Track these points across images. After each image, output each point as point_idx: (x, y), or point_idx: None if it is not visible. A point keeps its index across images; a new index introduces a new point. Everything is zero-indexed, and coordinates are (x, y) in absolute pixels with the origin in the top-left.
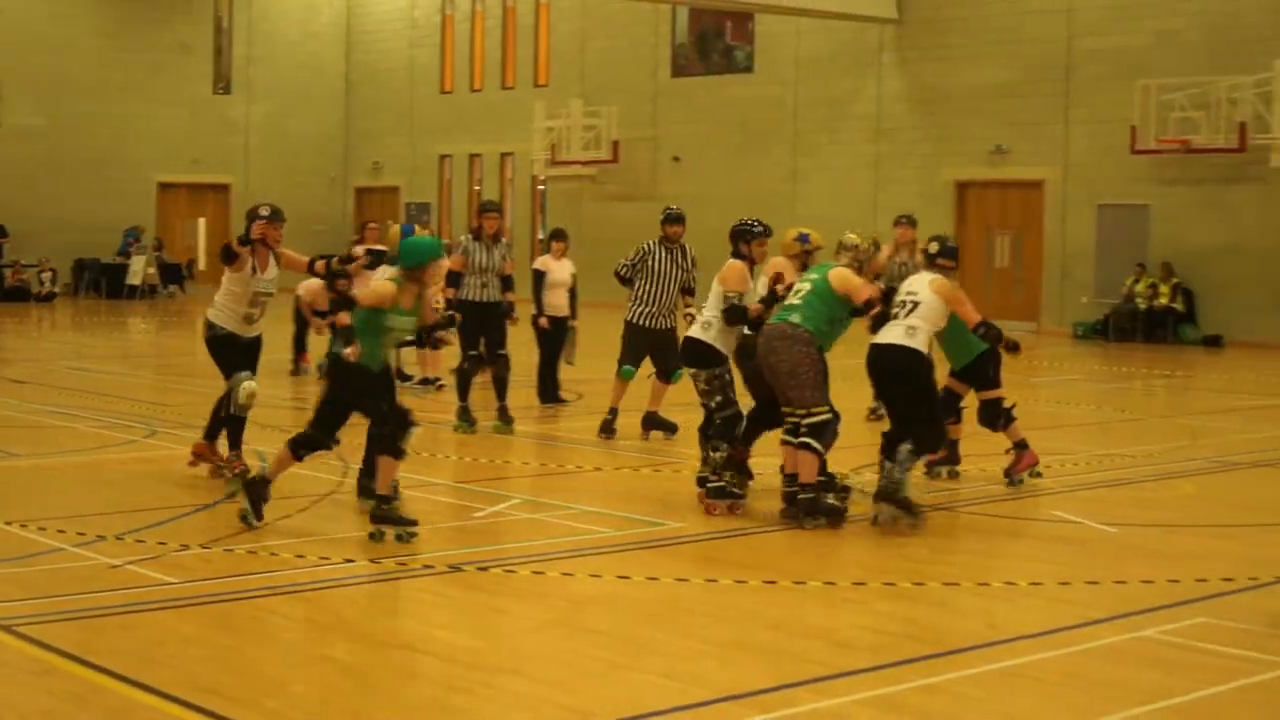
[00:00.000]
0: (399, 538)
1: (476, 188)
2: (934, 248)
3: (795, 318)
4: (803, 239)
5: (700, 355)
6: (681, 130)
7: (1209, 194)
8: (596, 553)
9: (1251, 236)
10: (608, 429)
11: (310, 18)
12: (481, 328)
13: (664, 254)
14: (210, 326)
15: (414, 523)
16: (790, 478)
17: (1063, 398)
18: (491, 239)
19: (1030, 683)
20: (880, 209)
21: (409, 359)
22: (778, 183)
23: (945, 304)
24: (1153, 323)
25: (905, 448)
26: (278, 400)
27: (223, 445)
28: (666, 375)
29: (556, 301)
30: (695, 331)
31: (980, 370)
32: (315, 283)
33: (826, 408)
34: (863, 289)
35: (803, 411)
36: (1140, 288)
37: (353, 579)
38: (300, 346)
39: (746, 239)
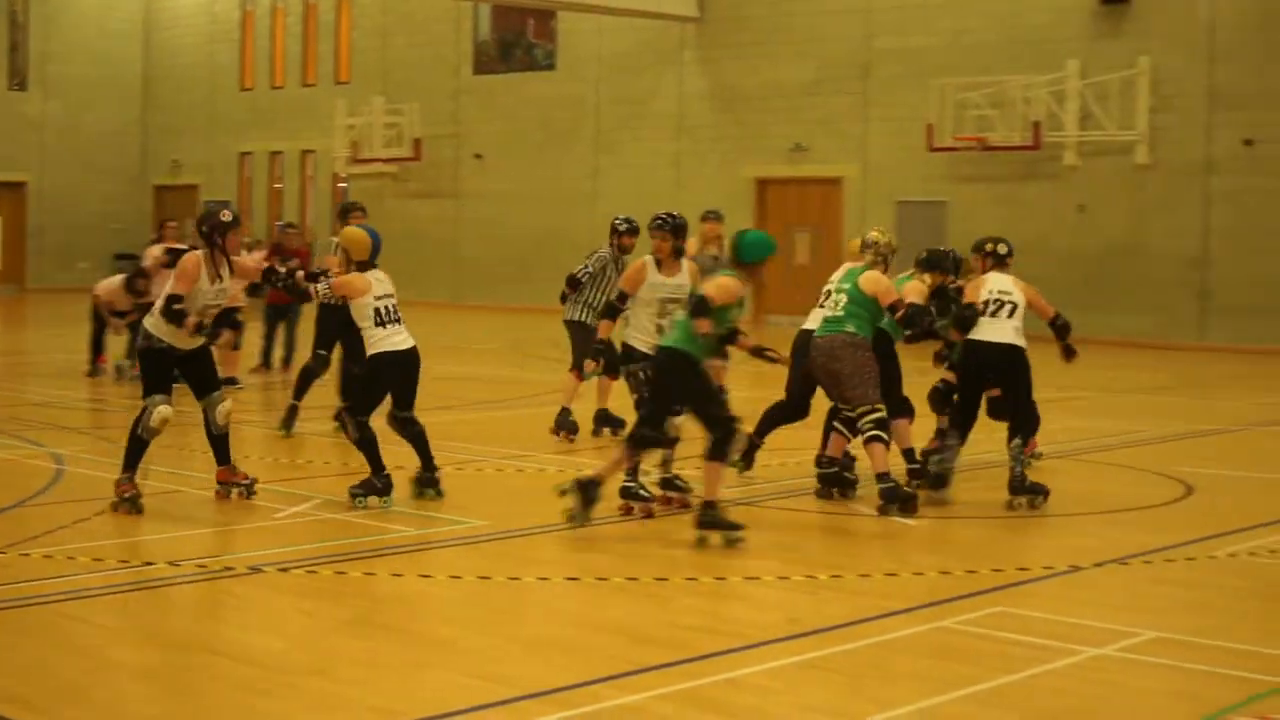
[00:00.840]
0: (729, 542)
1: (277, 185)
2: (1003, 249)
3: (850, 327)
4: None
5: (626, 356)
6: (484, 128)
7: (1004, 191)
8: (399, 552)
9: (1045, 232)
10: (565, 425)
11: (107, 14)
12: (337, 328)
13: (610, 256)
14: (147, 336)
15: (741, 527)
16: (830, 460)
17: None
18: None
19: (832, 675)
20: (682, 206)
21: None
22: (579, 180)
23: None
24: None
25: (1016, 441)
26: (74, 401)
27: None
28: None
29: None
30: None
31: None
32: (113, 282)
33: (882, 404)
34: (890, 292)
35: (866, 408)
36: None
37: (153, 582)
38: (97, 347)
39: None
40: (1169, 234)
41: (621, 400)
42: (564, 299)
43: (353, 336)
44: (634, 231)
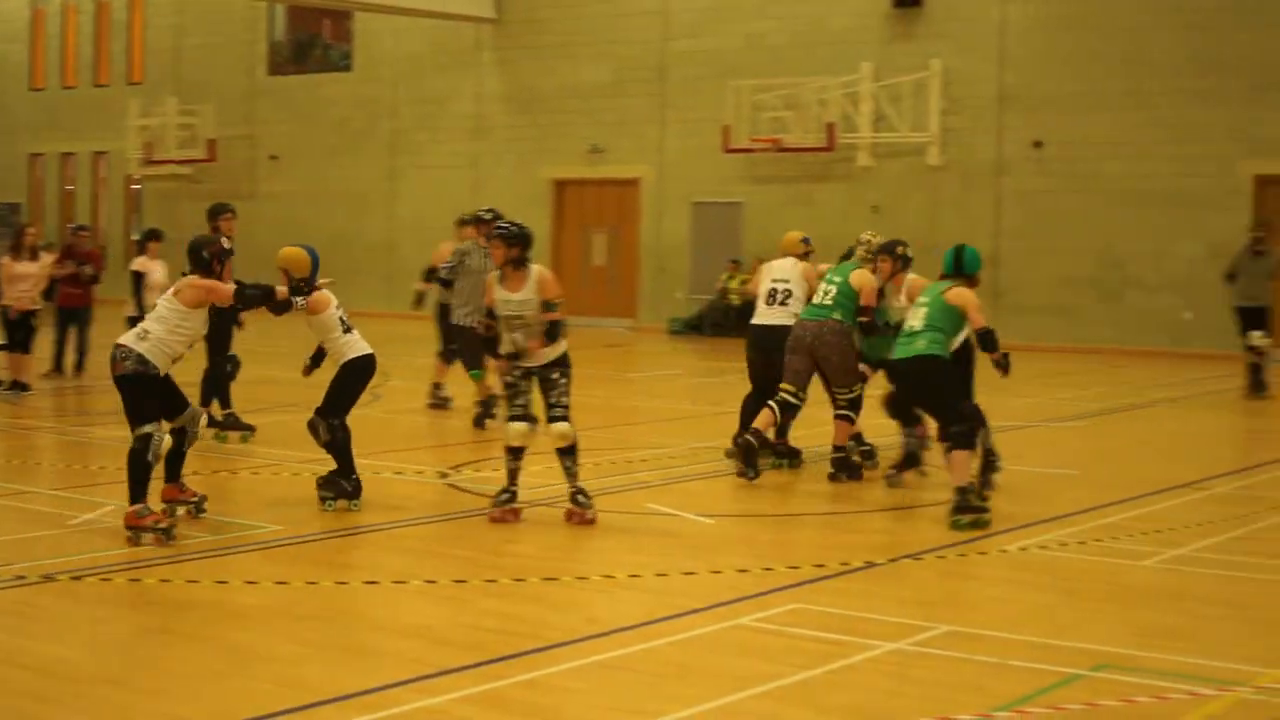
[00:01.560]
0: (978, 525)
1: (69, 187)
2: (911, 252)
3: (838, 315)
4: (806, 240)
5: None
6: (279, 129)
7: (799, 191)
8: (195, 558)
9: (839, 232)
10: (480, 421)
11: None
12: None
13: (479, 253)
14: (142, 362)
15: (987, 510)
16: (838, 448)
17: (659, 392)
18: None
19: (631, 674)
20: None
21: None
22: (376, 181)
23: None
24: (746, 317)
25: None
26: None
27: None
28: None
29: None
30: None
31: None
32: None
33: (859, 388)
34: (871, 294)
35: (845, 390)
36: (734, 283)
37: None
38: None
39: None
40: (961, 234)
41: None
42: (420, 300)
43: (219, 338)
44: (496, 218)
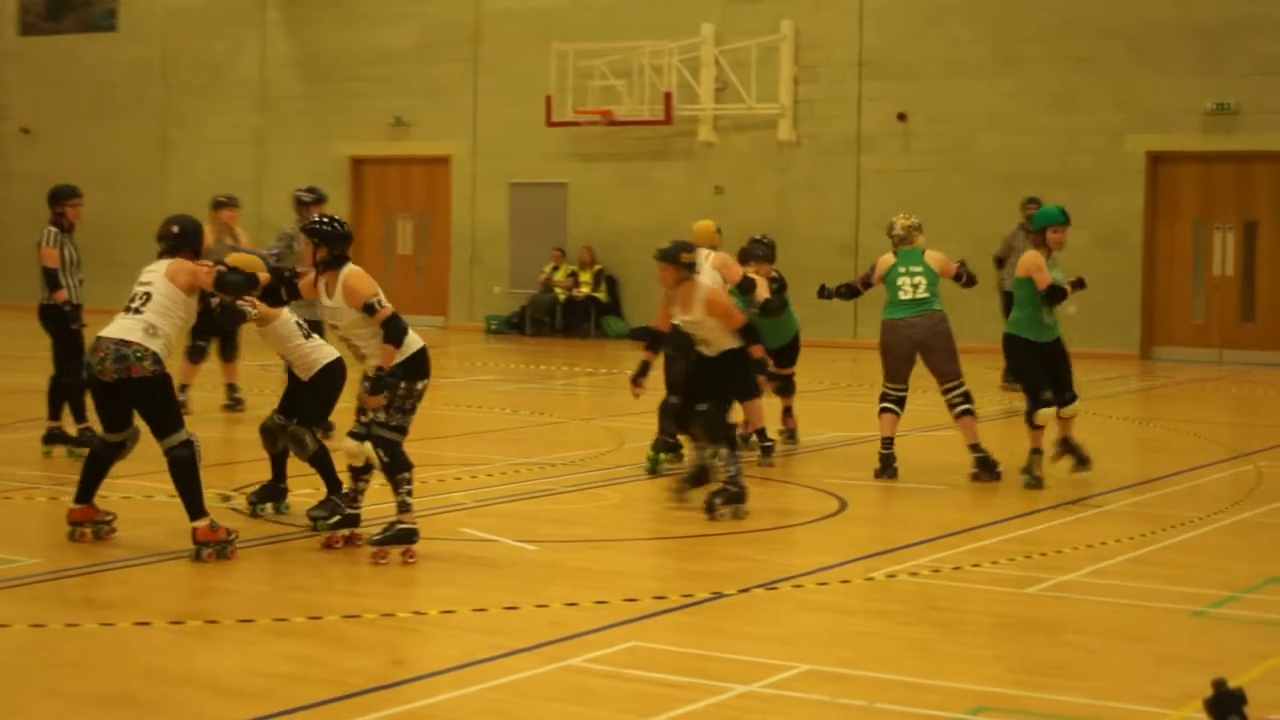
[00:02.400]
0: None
1: None
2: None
3: (939, 305)
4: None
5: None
6: (31, 97)
7: (633, 171)
8: None
9: (678, 216)
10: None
11: None
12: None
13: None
14: (158, 361)
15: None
16: (887, 440)
17: (474, 400)
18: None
19: None
20: (266, 187)
21: None
22: (145, 156)
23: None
24: (574, 314)
25: (722, 450)
26: None
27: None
28: None
29: None
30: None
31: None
32: None
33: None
34: (948, 266)
35: (956, 383)
36: (559, 276)
37: None
38: None
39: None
40: (817, 219)
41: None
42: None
43: (69, 341)
44: (320, 201)
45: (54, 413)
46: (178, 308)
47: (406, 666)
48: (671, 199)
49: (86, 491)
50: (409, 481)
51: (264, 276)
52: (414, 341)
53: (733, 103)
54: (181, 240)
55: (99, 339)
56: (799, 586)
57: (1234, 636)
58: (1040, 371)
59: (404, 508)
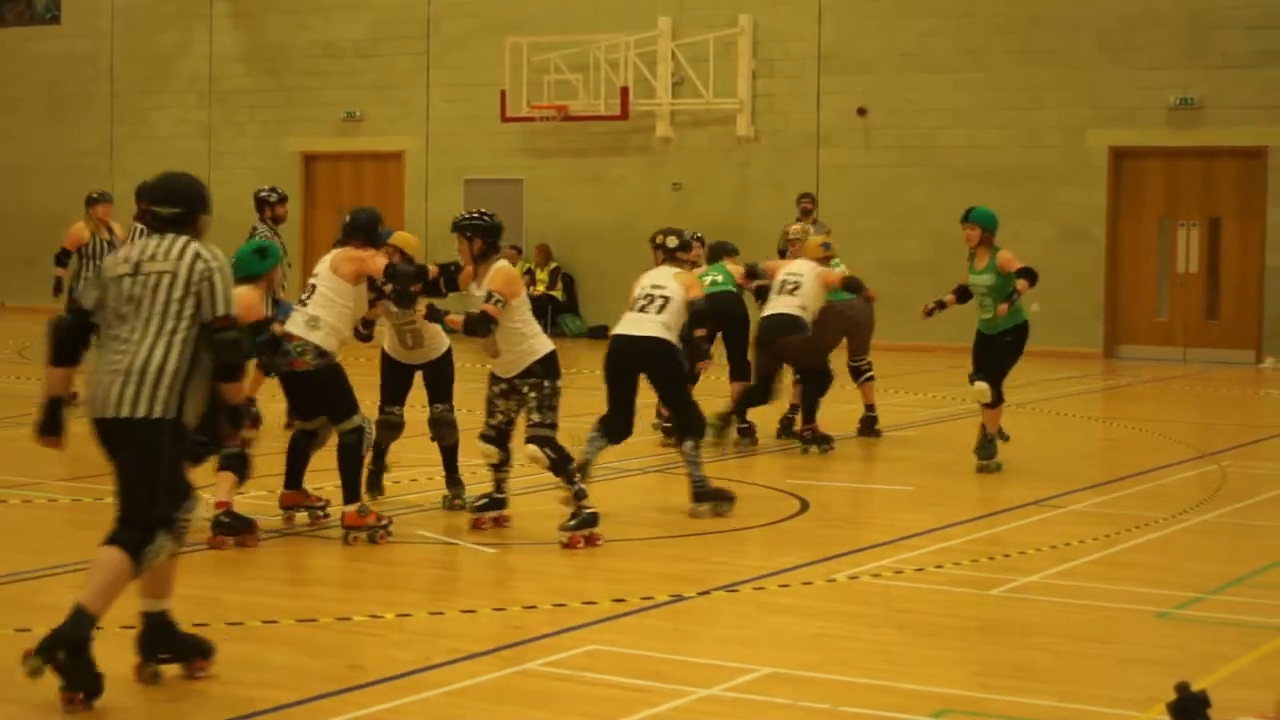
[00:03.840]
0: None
1: None
2: (673, 241)
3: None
4: (826, 246)
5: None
6: None
7: (589, 167)
8: None
9: (636, 213)
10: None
11: None
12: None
13: (270, 234)
14: (321, 354)
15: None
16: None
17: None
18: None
19: None
20: (215, 184)
21: None
22: (93, 155)
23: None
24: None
25: (689, 443)
26: None
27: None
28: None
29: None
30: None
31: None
32: None
33: None
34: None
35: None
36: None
37: None
38: None
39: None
40: (776, 215)
41: None
42: (59, 289)
43: None
44: (284, 200)
45: None
46: (342, 298)
47: (363, 671)
48: (628, 195)
49: (294, 478)
50: (577, 469)
51: (432, 268)
52: (548, 341)
53: (690, 98)
54: (352, 230)
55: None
56: (760, 588)
57: (1199, 638)
58: (982, 359)
59: (580, 495)
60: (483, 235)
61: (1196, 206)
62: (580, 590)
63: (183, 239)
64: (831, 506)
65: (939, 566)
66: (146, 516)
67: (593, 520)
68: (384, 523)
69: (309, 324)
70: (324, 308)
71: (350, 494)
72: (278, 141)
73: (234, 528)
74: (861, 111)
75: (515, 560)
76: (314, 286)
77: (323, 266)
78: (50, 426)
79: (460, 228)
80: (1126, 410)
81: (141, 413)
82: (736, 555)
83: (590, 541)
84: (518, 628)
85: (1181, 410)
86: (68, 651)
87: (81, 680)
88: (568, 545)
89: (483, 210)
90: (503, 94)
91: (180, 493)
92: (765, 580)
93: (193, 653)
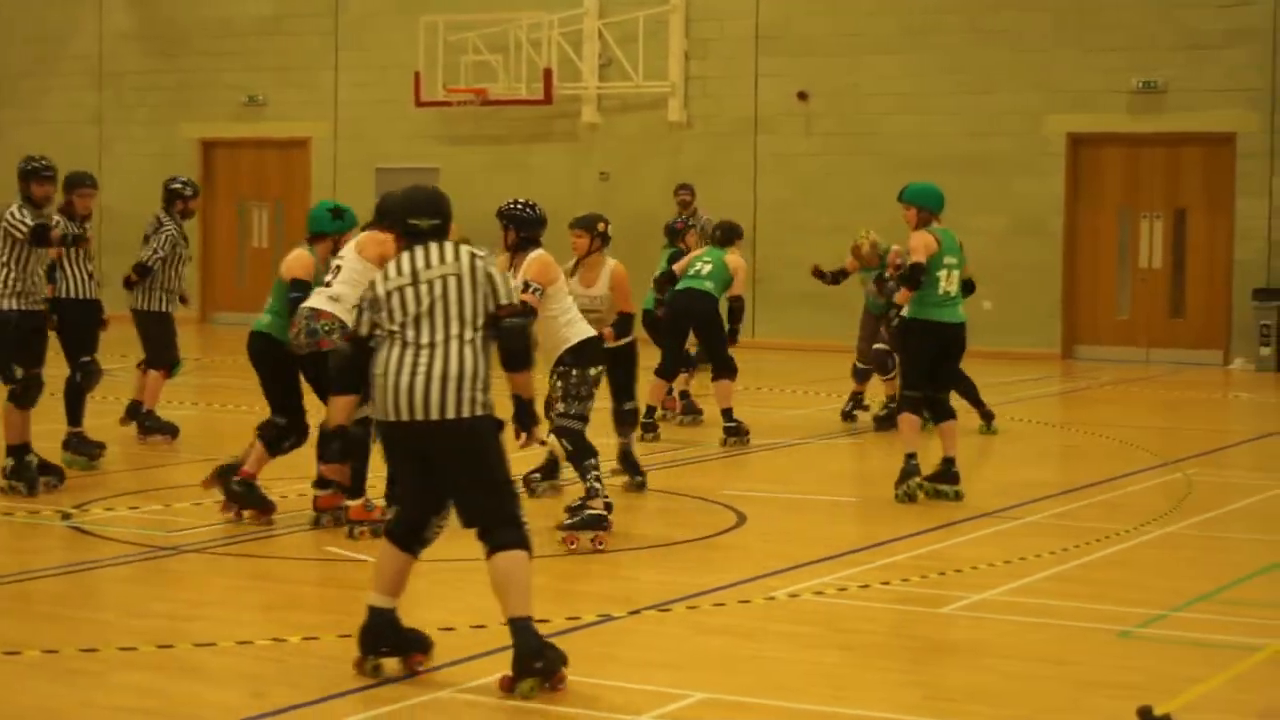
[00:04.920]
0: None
1: None
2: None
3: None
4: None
5: None
6: None
7: (511, 154)
8: None
9: (560, 204)
10: (161, 427)
11: None
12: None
13: (178, 230)
14: (346, 330)
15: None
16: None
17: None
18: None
19: None
20: (108, 173)
21: None
22: None
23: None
24: None
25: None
26: None
27: None
28: (173, 365)
29: None
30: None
31: None
32: None
33: None
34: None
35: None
36: None
37: None
38: None
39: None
40: (711, 206)
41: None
42: (129, 285)
43: (81, 336)
44: (198, 194)
45: (73, 418)
46: (365, 278)
47: (266, 699)
48: (552, 185)
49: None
50: (595, 467)
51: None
52: (584, 330)
53: (618, 81)
54: (380, 214)
55: (299, 310)
56: (693, 608)
57: (1162, 659)
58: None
59: (592, 493)
60: (517, 226)
61: (1160, 197)
62: (500, 610)
63: (449, 244)
64: (770, 519)
65: (885, 583)
66: (508, 513)
67: (596, 522)
68: (388, 517)
69: (333, 299)
70: (350, 286)
71: (353, 488)
72: (173, 127)
73: (246, 499)
74: (802, 96)
75: (431, 578)
76: (339, 268)
77: (348, 249)
78: (342, 453)
79: (499, 216)
80: (1085, 415)
81: (466, 412)
82: (668, 572)
83: (594, 544)
84: (436, 651)
85: (1144, 415)
86: (538, 657)
87: (558, 658)
88: (566, 542)
89: (526, 201)
90: (417, 76)
91: (514, 485)
92: (699, 599)
93: (413, 647)
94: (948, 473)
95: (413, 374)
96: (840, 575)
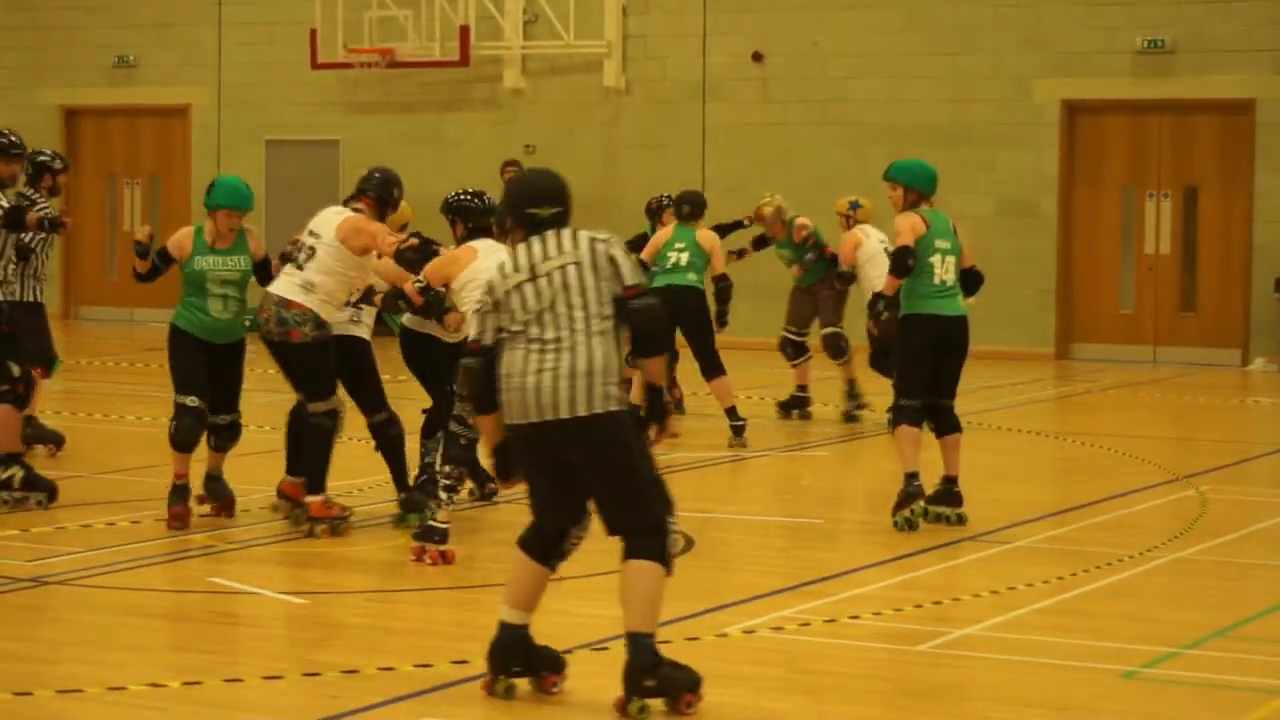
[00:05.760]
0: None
1: None
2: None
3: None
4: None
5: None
6: None
7: (422, 125)
8: None
9: (481, 180)
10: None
11: None
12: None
13: (46, 209)
14: (320, 325)
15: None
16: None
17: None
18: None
19: None
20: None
21: None
22: None
23: None
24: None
25: None
26: None
27: None
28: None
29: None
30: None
31: None
32: None
33: None
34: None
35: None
36: None
37: None
38: None
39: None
40: (652, 183)
41: None
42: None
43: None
44: (68, 168)
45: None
46: (344, 265)
47: None
48: (470, 159)
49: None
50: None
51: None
52: None
53: (546, 40)
54: (365, 185)
55: (266, 294)
56: None
57: (1172, 703)
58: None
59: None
60: (464, 217)
61: (1168, 173)
62: (414, 650)
63: (565, 231)
64: (723, 544)
65: (854, 617)
66: (653, 519)
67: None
68: (346, 514)
69: (305, 288)
70: (324, 275)
71: (313, 484)
72: (31, 93)
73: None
74: (757, 57)
75: (333, 613)
76: (313, 250)
77: (325, 229)
78: (510, 468)
79: (444, 209)
80: (1083, 423)
81: (599, 408)
82: (605, 606)
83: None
84: (336, 698)
85: (1151, 423)
86: (650, 675)
87: (685, 679)
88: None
89: (473, 190)
90: (313, 35)
91: (663, 484)
92: None
93: (547, 666)
94: (949, 493)
95: (539, 372)
96: (803, 608)
